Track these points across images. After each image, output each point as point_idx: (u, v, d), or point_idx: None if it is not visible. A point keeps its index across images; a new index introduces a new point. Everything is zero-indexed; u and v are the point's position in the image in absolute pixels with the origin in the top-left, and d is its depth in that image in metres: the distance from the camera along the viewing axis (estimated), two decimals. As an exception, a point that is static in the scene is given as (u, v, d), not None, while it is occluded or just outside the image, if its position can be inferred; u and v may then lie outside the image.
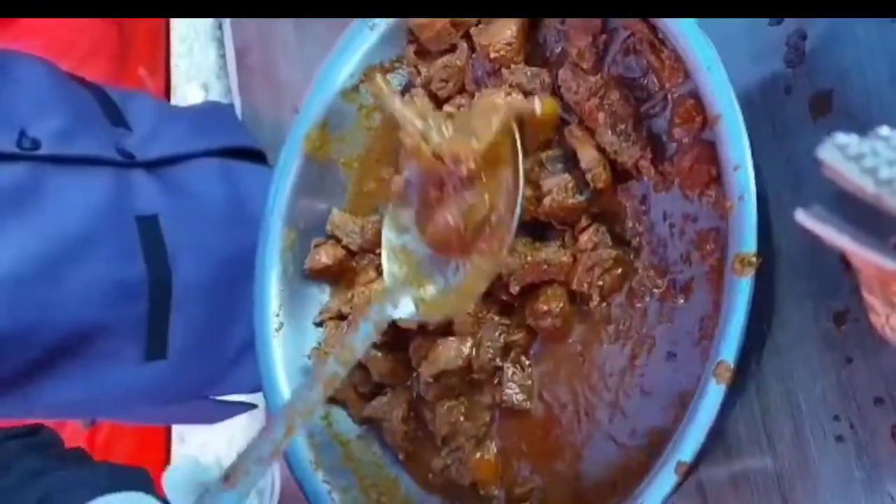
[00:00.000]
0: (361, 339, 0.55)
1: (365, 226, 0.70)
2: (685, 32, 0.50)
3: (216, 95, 1.28)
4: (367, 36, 0.67)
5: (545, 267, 0.58)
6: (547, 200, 0.57)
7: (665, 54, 0.54)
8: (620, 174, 0.57)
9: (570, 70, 0.58)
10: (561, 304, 0.58)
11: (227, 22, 1.15)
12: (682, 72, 0.53)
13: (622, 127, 0.55)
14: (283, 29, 1.01)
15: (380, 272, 0.68)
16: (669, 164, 0.54)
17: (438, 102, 0.66)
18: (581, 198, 0.57)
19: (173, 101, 1.35)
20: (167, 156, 0.91)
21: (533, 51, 0.62)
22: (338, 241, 0.71)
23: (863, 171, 0.28)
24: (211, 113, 1.07)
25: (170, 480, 0.51)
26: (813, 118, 0.56)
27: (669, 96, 0.55)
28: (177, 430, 1.41)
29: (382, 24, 0.66)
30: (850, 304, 0.53)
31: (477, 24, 0.63)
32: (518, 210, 0.54)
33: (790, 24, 0.58)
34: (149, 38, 1.61)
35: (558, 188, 0.57)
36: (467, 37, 0.64)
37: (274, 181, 0.71)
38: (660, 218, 0.55)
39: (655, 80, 0.55)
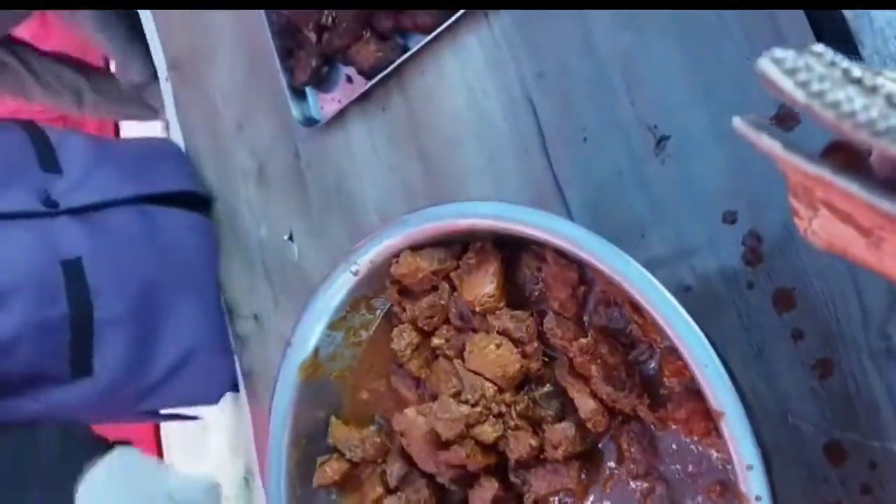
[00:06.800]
0: None
1: (365, 439, 0.64)
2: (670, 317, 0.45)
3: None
4: (349, 279, 0.61)
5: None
6: (559, 451, 0.52)
7: (646, 313, 0.50)
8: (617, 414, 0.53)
9: (555, 319, 0.53)
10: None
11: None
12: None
13: (616, 374, 0.51)
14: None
15: (386, 487, 0.63)
16: (664, 409, 0.51)
17: (425, 334, 0.60)
18: (587, 442, 0.53)
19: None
20: (91, 203, 0.85)
21: (512, 291, 0.57)
22: (341, 454, 0.65)
23: (796, 84, 0.27)
24: (150, 153, 0.98)
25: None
26: (778, 313, 0.53)
27: (655, 346, 0.51)
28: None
29: (364, 268, 0.60)
30: (841, 496, 0.51)
31: (456, 269, 0.58)
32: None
33: (743, 224, 0.55)
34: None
35: (566, 440, 0.52)
36: (447, 278, 0.59)
37: (274, 411, 0.64)
38: (666, 457, 0.52)
39: (640, 330, 0.52)
